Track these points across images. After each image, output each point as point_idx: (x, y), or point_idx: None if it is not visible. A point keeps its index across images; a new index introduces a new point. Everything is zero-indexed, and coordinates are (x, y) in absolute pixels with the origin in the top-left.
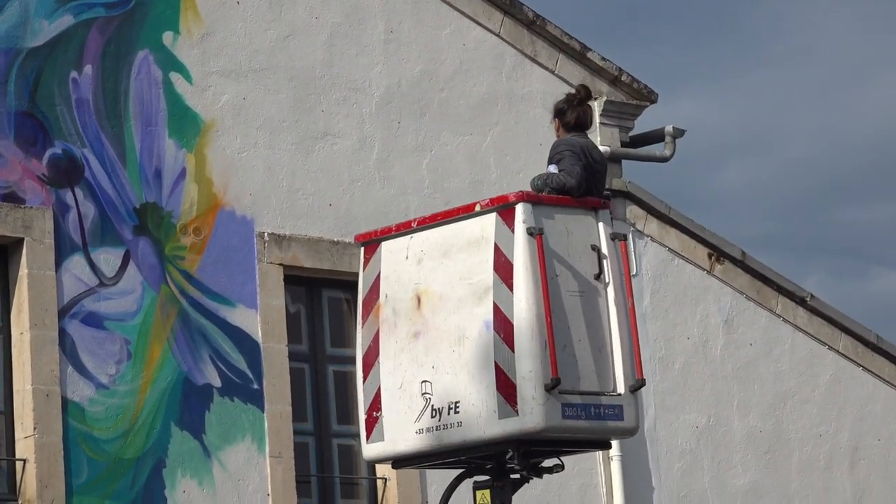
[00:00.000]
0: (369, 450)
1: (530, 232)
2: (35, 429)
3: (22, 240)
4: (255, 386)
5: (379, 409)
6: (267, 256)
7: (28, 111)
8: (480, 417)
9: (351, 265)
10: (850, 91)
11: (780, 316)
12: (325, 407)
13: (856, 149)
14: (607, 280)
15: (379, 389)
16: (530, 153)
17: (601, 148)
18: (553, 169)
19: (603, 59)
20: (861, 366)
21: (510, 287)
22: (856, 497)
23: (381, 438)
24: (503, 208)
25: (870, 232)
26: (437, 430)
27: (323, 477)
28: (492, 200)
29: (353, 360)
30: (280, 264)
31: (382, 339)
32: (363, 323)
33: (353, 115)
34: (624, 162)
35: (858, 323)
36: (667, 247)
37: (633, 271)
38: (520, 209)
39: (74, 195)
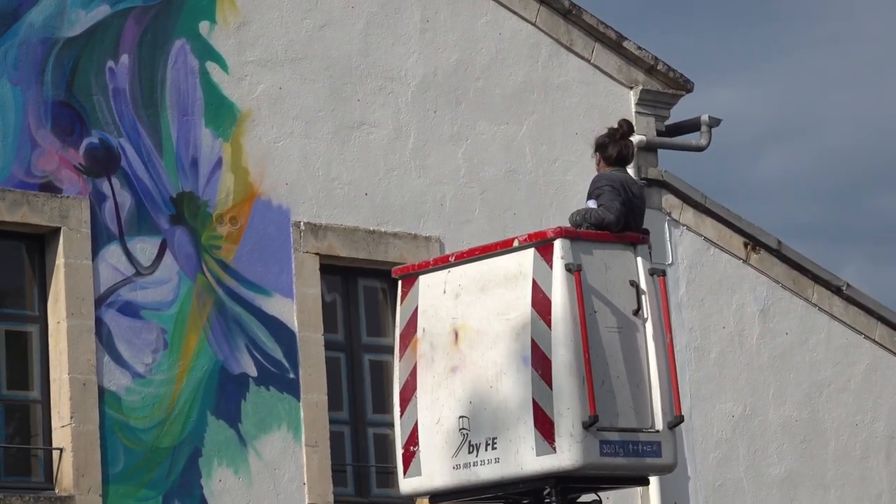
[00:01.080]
0: (406, 484)
1: (569, 268)
2: (72, 418)
3: (59, 229)
4: (291, 375)
5: (416, 443)
6: (303, 246)
7: (65, 101)
8: (518, 454)
9: (387, 254)
10: (890, 76)
11: (815, 305)
12: (361, 396)
13: (894, 136)
14: (646, 316)
15: (416, 424)
16: (566, 142)
17: (638, 138)
18: (592, 204)
19: (639, 48)
20: None
21: (548, 323)
22: (892, 486)
23: (419, 473)
24: (541, 244)
25: None
26: (474, 465)
27: (359, 466)
28: (530, 236)
29: (389, 350)
30: (316, 253)
31: (420, 373)
32: (401, 357)
33: (389, 104)
34: (660, 151)
35: (895, 312)
36: (703, 236)
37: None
38: (558, 245)
39: (111, 184)
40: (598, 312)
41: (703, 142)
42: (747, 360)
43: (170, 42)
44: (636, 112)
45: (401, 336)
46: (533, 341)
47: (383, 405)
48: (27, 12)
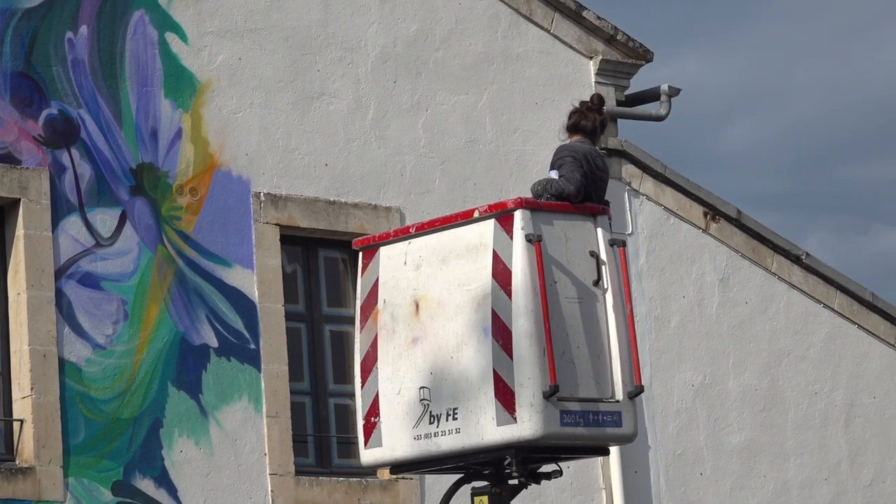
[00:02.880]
0: (367, 455)
1: (529, 239)
2: (32, 389)
3: (18, 200)
4: (252, 346)
5: (377, 414)
6: (263, 216)
7: (24, 72)
8: (479, 424)
9: (347, 225)
10: (856, 48)
11: (775, 274)
12: (322, 367)
13: (860, 107)
14: (606, 286)
15: (377, 395)
16: (526, 113)
17: None
18: (554, 174)
19: (598, 18)
20: (856, 324)
21: (508, 294)
22: (851, 454)
23: (380, 444)
24: (502, 215)
25: (872, 190)
26: (435, 436)
27: (319, 436)
28: (490, 207)
29: (349, 320)
30: (276, 224)
31: (381, 344)
32: (361, 328)
33: (349, 74)
34: (620, 121)
35: (854, 281)
36: (662, 206)
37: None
38: (518, 216)
39: (70, 156)
40: (559, 283)
41: (663, 111)
42: (707, 330)
43: (129, 13)
44: (596, 82)
45: (361, 307)
46: (493, 312)
47: (344, 376)
48: None
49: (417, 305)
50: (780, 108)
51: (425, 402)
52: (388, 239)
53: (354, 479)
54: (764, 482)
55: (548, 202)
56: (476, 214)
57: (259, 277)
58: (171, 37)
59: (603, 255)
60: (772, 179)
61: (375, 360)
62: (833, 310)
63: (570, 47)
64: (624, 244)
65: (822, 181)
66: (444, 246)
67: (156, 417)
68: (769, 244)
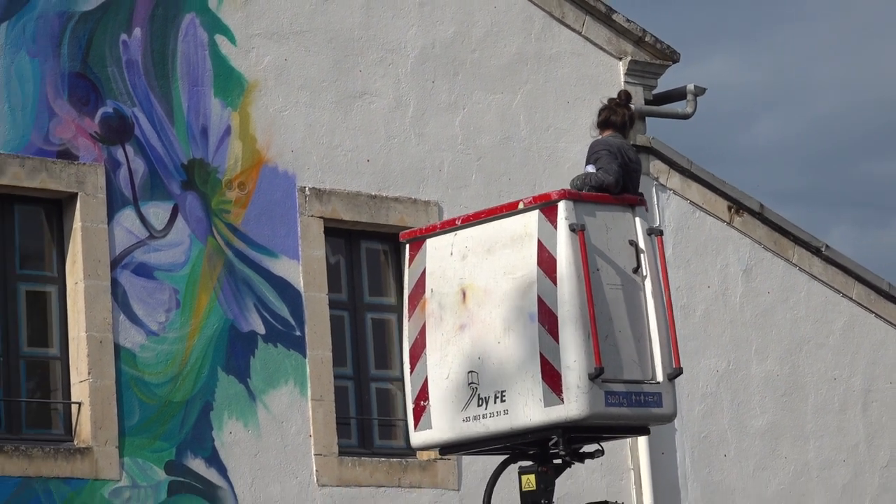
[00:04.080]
0: (417, 437)
1: (572, 228)
2: (89, 373)
3: (76, 195)
4: (298, 333)
5: (426, 398)
6: (308, 210)
7: (81, 72)
8: (527, 406)
9: (388, 218)
10: (875, 47)
11: (796, 265)
12: (364, 352)
13: (879, 104)
14: (645, 273)
15: (426, 380)
16: (558, 111)
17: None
18: (591, 168)
19: (627, 20)
20: (874, 313)
21: (554, 281)
22: (868, 437)
23: (429, 426)
24: (546, 206)
25: (893, 185)
26: (483, 418)
27: (362, 419)
28: (534, 198)
29: (390, 308)
30: (320, 217)
31: (429, 332)
32: (410, 317)
33: (390, 75)
34: (648, 119)
35: (871, 272)
36: (688, 200)
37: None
38: (562, 206)
39: (125, 152)
40: (601, 270)
41: (689, 110)
42: (731, 318)
43: (180, 16)
44: (625, 82)
45: (409, 297)
46: (539, 298)
47: (385, 361)
48: None
49: (464, 294)
50: (802, 106)
51: (473, 385)
52: (434, 231)
53: (395, 459)
54: (785, 463)
55: (589, 193)
56: (521, 206)
57: (304, 268)
58: (220, 39)
59: (641, 244)
60: (794, 175)
61: (424, 346)
62: (851, 299)
63: (601, 48)
64: (661, 233)
65: (844, 176)
66: (490, 237)
67: (206, 400)
68: (790, 237)
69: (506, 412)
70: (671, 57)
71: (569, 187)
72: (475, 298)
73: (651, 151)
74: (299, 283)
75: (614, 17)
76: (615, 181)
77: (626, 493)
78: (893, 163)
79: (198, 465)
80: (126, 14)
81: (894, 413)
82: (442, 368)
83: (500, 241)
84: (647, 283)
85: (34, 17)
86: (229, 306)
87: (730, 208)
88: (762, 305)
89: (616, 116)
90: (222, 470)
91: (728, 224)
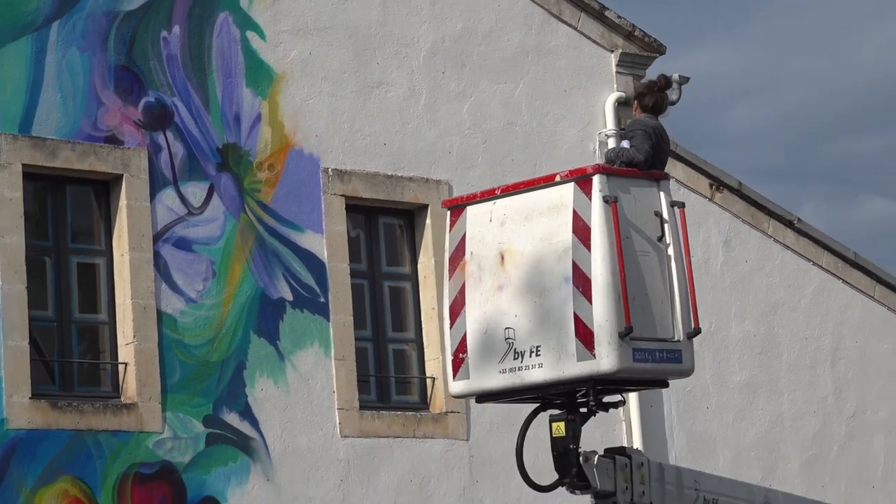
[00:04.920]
0: (455, 386)
1: (606, 200)
2: (134, 337)
3: (121, 176)
4: (322, 299)
5: (465, 351)
6: (331, 188)
7: (125, 65)
8: (560, 360)
9: (403, 196)
10: (845, 41)
11: (771, 237)
12: (382, 317)
13: (848, 92)
14: (668, 242)
15: (465, 335)
16: (556, 99)
17: (617, 94)
18: (626, 144)
19: (618, 16)
20: (841, 279)
21: (588, 247)
22: (836, 390)
23: (467, 377)
24: (581, 179)
25: (859, 164)
26: (519, 370)
27: (380, 376)
28: (570, 172)
29: (405, 277)
30: (342, 195)
31: (468, 291)
32: (450, 277)
33: (404, 66)
34: None
35: (839, 242)
36: (673, 178)
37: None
38: (597, 180)
39: (166, 137)
40: (630, 238)
41: (674, 97)
42: (712, 284)
43: (215, 14)
44: (616, 72)
45: (450, 259)
46: (574, 263)
47: (400, 324)
48: None
49: (503, 257)
50: (778, 95)
51: (510, 340)
52: (474, 199)
53: (410, 413)
54: (761, 414)
55: (620, 168)
56: (557, 178)
57: (328, 241)
58: (251, 35)
59: (665, 215)
60: (770, 155)
61: (463, 304)
62: (821, 267)
63: (594, 42)
64: (683, 206)
65: (815, 157)
66: (527, 206)
67: (240, 361)
68: (766, 211)
69: (540, 365)
70: (658, 49)
71: (558, 169)
72: (513, 261)
73: None
74: (323, 254)
75: (606, 13)
76: (644, 159)
77: (619, 443)
78: (859, 144)
79: (232, 418)
80: (166, 13)
81: (859, 369)
82: (480, 324)
83: (536, 210)
84: (670, 251)
85: (83, 16)
86: (260, 276)
87: (711, 186)
88: (740, 273)
89: (650, 99)
90: (254, 423)
91: (709, 200)
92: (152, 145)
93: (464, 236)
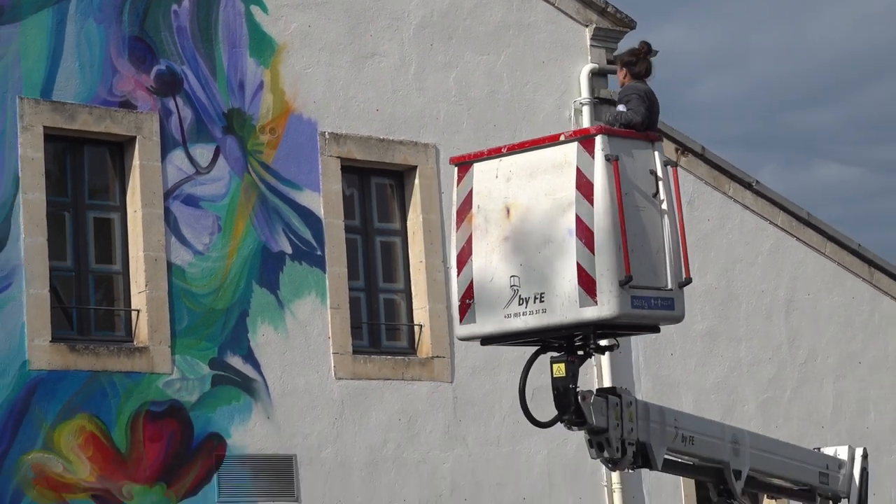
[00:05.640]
0: (462, 330)
1: (608, 158)
2: (146, 286)
3: (134, 138)
4: (319, 252)
5: (471, 297)
6: (327, 151)
7: (139, 36)
8: (563, 306)
9: (394, 158)
10: (802, 20)
11: (731, 198)
12: (374, 269)
13: (805, 67)
14: (662, 198)
15: (472, 282)
16: (535, 69)
17: (591, 65)
18: (622, 108)
19: None
20: (795, 237)
21: (591, 202)
22: (790, 339)
23: (473, 321)
24: (584, 139)
25: (814, 133)
26: (523, 315)
27: (372, 324)
28: (574, 132)
29: (395, 233)
30: (338, 157)
31: (475, 241)
32: (457, 228)
33: (395, 39)
34: (609, 76)
35: (794, 203)
36: None
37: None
38: (599, 140)
39: (176, 102)
40: (629, 195)
41: None
42: None
43: None
44: (591, 45)
45: (457, 212)
46: (577, 216)
47: (391, 276)
48: None
49: (508, 210)
50: (741, 69)
51: (515, 287)
52: (481, 157)
53: (399, 357)
54: (721, 361)
55: (619, 129)
56: (562, 138)
57: (324, 199)
58: (254, 8)
59: (660, 173)
60: (733, 124)
61: (470, 253)
62: (777, 226)
63: (570, 17)
64: (676, 165)
65: (774, 126)
66: (532, 163)
67: (243, 308)
68: (727, 174)
69: (544, 311)
70: (629, 24)
71: (537, 133)
72: (518, 214)
73: (612, 103)
74: (320, 211)
75: None
76: (641, 121)
77: (590, 386)
78: (815, 115)
79: (236, 361)
80: None
81: (811, 320)
82: (487, 272)
83: (541, 167)
84: (664, 206)
85: None
86: (262, 230)
87: (676, 150)
88: (703, 231)
89: (641, 66)
90: (256, 365)
91: (675, 163)
92: (163, 110)
93: (471, 191)
